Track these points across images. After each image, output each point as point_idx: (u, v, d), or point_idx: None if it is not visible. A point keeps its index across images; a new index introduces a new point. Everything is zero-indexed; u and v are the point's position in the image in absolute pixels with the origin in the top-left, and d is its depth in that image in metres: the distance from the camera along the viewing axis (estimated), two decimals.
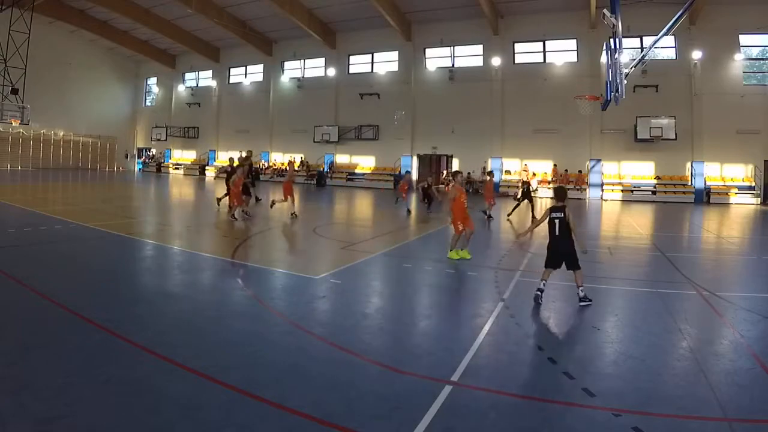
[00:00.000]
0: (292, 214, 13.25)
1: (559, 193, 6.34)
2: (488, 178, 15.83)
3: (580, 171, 25.21)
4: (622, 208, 20.68)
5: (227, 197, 13.89)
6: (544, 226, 6.38)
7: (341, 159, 31.72)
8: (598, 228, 14.86)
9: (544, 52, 26.30)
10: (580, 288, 5.97)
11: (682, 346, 4.70)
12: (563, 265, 6.06)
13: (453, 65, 28.45)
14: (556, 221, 6.07)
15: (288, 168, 13.74)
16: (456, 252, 8.42)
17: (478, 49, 27.51)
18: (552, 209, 6.16)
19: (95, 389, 3.43)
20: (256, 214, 13.76)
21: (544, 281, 6.05)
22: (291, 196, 13.36)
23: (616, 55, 11.27)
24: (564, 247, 6.00)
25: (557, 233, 6.07)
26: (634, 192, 24.13)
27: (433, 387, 3.62)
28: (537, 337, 4.88)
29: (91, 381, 3.54)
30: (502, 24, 26.42)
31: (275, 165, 33.71)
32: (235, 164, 14.41)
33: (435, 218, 14.39)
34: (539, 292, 5.99)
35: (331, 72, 31.41)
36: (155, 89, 41.72)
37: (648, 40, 20.77)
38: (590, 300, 5.95)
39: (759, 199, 22.22)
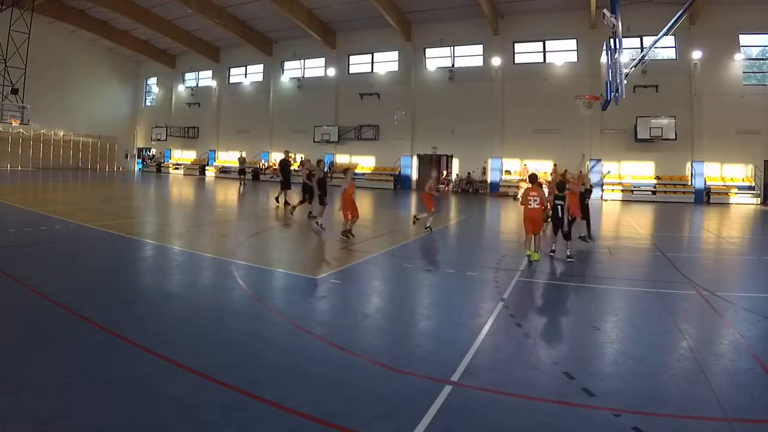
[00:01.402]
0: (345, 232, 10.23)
1: (560, 187, 8.90)
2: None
3: (580, 171, 25.16)
4: (622, 208, 20.68)
5: (303, 203, 13.34)
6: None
7: (341, 159, 31.71)
8: (598, 228, 14.85)
9: (544, 52, 26.27)
10: (569, 250, 8.71)
11: (682, 346, 4.70)
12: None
13: (453, 65, 28.42)
14: (559, 206, 8.76)
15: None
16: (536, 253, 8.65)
17: (478, 49, 27.49)
18: (555, 197, 8.84)
19: (95, 389, 3.43)
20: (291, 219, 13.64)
21: (555, 243, 8.98)
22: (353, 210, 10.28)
23: (616, 55, 11.28)
24: (561, 224, 8.74)
25: (560, 215, 8.77)
26: (634, 192, 24.11)
27: (433, 387, 3.62)
28: (537, 337, 4.88)
29: (91, 381, 3.54)
30: (502, 24, 26.40)
31: (275, 165, 33.67)
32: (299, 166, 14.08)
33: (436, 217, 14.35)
34: (553, 253, 8.80)
35: (331, 72, 31.38)
36: (155, 89, 41.68)
37: (648, 40, 20.76)
38: (573, 258, 8.60)
39: (759, 199, 22.19)
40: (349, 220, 10.10)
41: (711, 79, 22.78)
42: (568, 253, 8.67)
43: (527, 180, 9.34)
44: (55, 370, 3.67)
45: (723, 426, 3.22)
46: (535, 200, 8.60)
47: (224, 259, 7.92)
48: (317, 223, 11.30)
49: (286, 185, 16.04)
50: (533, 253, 8.58)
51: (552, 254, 8.81)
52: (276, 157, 34.16)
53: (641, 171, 24.52)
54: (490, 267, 8.08)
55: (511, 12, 25.85)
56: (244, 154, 30.79)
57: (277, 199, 16.19)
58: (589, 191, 10.67)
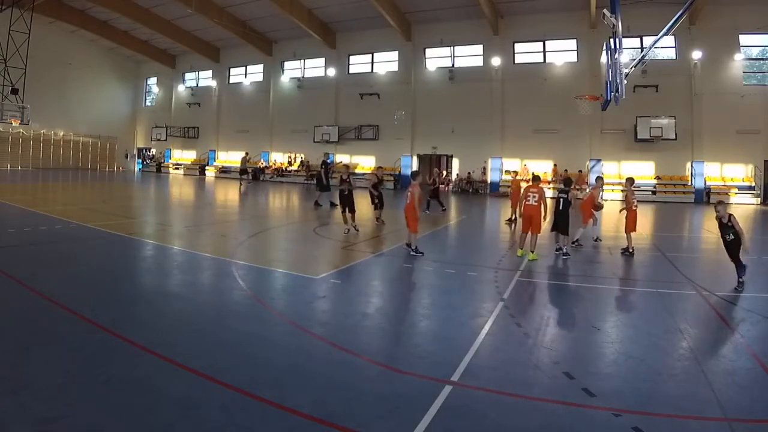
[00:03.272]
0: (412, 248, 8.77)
1: (566, 182, 9.35)
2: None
3: (580, 171, 25.20)
4: (622, 208, 20.62)
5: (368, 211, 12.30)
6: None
7: (341, 159, 31.71)
8: (597, 228, 14.82)
9: (544, 52, 26.27)
10: (565, 247, 8.87)
11: (682, 346, 4.70)
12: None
13: (453, 65, 28.41)
14: (561, 200, 8.97)
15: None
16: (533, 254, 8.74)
17: (478, 49, 27.49)
18: (560, 191, 9.21)
19: (95, 389, 3.43)
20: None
21: (558, 243, 9.13)
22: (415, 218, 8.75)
23: (616, 55, 11.26)
24: (562, 218, 8.86)
25: (560, 208, 8.93)
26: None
27: (433, 387, 3.62)
28: (537, 337, 4.88)
29: (91, 381, 3.54)
30: (502, 24, 26.40)
31: (275, 165, 33.70)
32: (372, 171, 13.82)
33: (433, 217, 14.37)
34: (559, 252, 8.95)
35: (331, 72, 31.38)
36: (155, 89, 41.67)
37: (648, 40, 20.75)
38: (568, 255, 8.76)
39: (759, 199, 22.19)
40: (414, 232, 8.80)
41: (711, 79, 22.78)
42: (558, 246, 9.11)
43: (529, 180, 9.64)
44: (55, 370, 3.67)
45: (723, 426, 3.22)
46: (533, 197, 8.86)
47: (224, 259, 7.92)
48: (353, 228, 10.98)
49: (326, 188, 16.25)
50: (529, 252, 8.63)
51: (557, 253, 9.02)
52: (276, 157, 34.25)
53: (641, 171, 24.49)
54: (490, 267, 8.08)
55: (511, 12, 25.85)
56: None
57: (317, 203, 16.27)
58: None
